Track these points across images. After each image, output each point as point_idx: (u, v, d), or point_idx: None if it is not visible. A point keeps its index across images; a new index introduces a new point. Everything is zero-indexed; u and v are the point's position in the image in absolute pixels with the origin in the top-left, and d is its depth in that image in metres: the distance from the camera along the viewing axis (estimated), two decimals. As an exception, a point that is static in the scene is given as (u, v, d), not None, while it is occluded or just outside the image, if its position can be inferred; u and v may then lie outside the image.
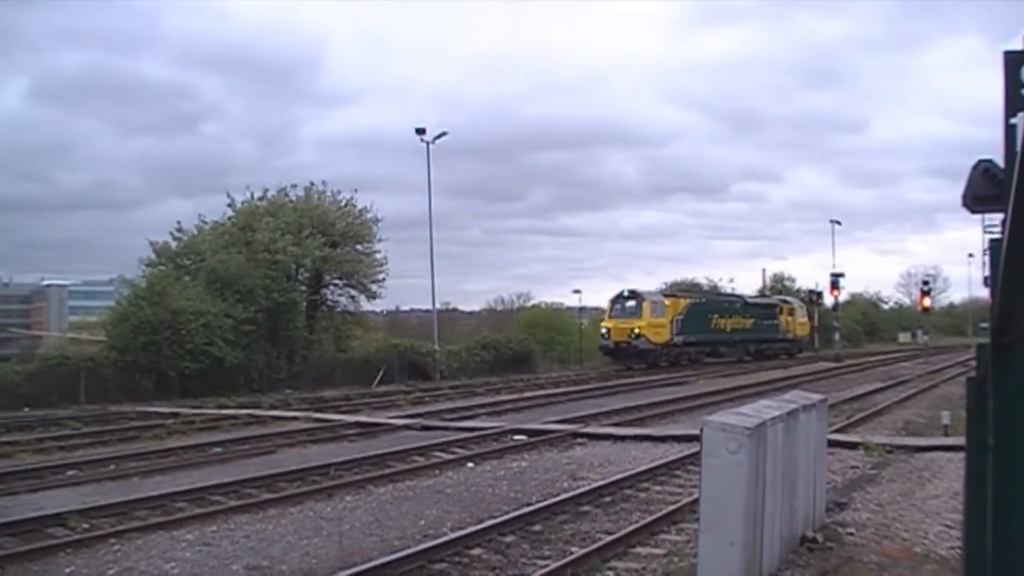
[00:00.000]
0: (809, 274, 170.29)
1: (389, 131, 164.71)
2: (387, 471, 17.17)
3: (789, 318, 66.45)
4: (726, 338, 59.28)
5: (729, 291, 73.41)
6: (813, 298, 70.53)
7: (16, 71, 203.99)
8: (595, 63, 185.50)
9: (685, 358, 54.95)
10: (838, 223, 76.56)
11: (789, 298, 71.22)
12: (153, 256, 43.37)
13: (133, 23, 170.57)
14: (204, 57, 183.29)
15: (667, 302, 54.15)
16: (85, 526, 12.52)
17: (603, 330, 53.37)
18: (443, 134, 49.17)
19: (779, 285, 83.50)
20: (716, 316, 58.52)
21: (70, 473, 17.73)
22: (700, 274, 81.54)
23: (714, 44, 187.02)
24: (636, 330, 51.12)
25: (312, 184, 47.14)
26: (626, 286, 55.73)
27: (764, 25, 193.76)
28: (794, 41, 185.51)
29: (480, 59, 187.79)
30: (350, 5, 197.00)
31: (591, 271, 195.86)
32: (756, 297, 69.78)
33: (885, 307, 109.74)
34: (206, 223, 45.44)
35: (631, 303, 52.88)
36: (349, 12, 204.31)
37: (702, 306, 58.09)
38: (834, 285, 64.61)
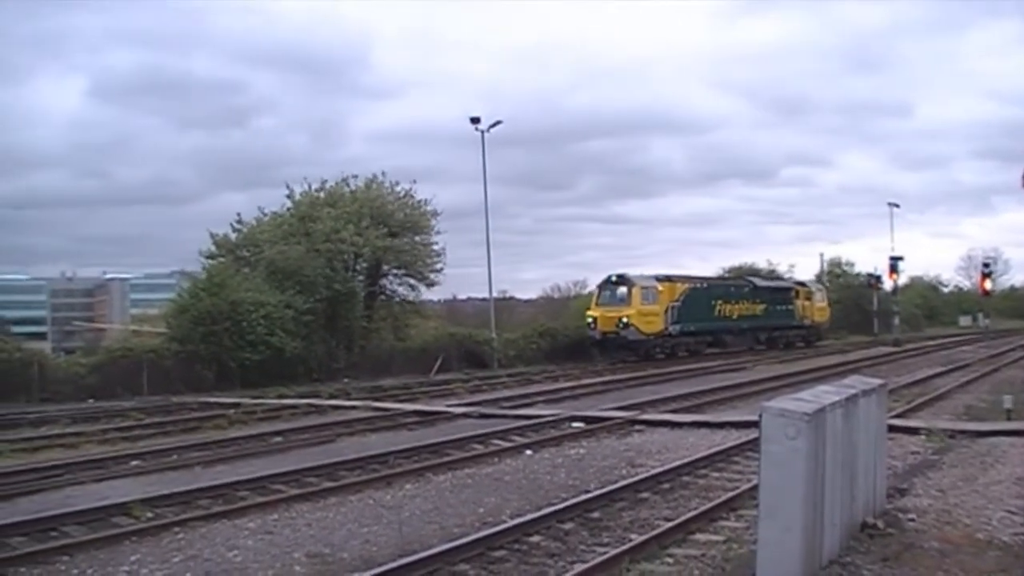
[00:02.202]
0: (865, 259, 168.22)
1: (436, 123, 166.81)
2: (446, 459, 17.26)
3: (806, 303, 61.02)
4: (732, 326, 54.21)
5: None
6: (872, 282, 69.37)
7: (74, 72, 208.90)
8: (637, 53, 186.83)
9: (683, 349, 50.30)
10: (896, 206, 74.73)
11: (807, 281, 66.33)
12: (213, 248, 43.82)
13: (184, 22, 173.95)
14: (254, 54, 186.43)
15: (660, 287, 48.71)
16: (149, 515, 12.69)
17: (589, 319, 48.13)
18: (497, 123, 49.02)
19: (837, 269, 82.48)
20: (720, 302, 53.39)
21: (134, 463, 17.98)
22: (755, 259, 79.26)
23: (755, 31, 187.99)
24: (624, 319, 46.33)
25: (374, 176, 47.59)
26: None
27: (804, 12, 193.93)
28: (835, 27, 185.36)
29: (522, 51, 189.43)
30: (393, 2, 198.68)
31: (644, 258, 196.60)
32: (768, 280, 64.54)
33: (945, 291, 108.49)
34: (265, 215, 45.87)
35: (621, 289, 47.97)
36: (392, 8, 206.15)
37: (703, 291, 52.69)
38: (893, 269, 63.51)
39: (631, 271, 49.69)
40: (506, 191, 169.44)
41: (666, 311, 48.53)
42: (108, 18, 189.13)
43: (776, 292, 59.70)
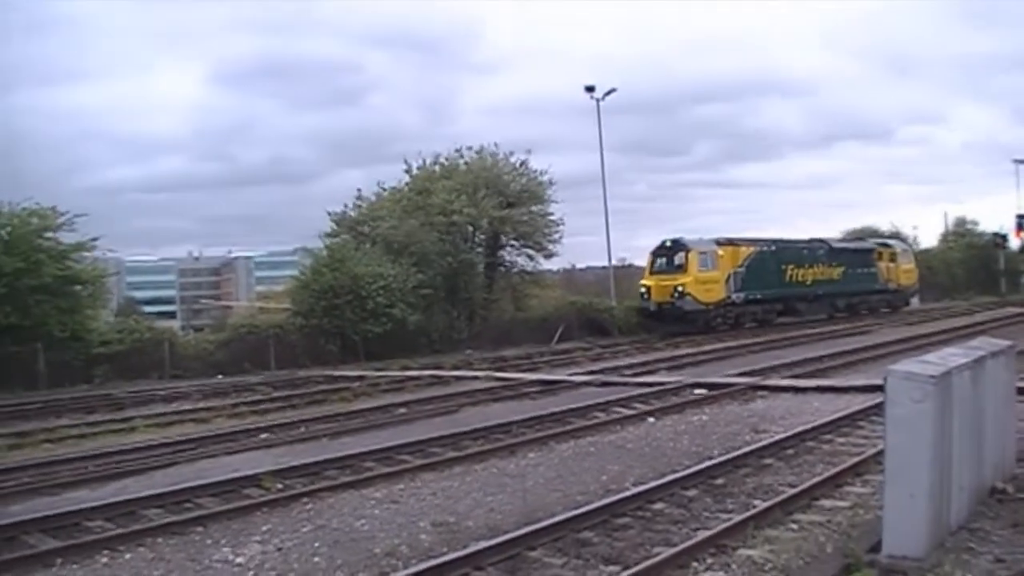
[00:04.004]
0: (989, 217, 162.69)
1: (547, 94, 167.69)
2: (568, 427, 17.35)
3: (890, 264, 55.21)
4: (806, 292, 49.01)
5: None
6: (998, 241, 67.07)
7: (195, 60, 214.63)
8: (747, 17, 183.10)
9: (748, 319, 46.09)
10: (1023, 162, 72.40)
11: (891, 241, 60.28)
12: (334, 226, 44.41)
13: (297, 7, 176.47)
14: (367, 34, 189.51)
15: (721, 252, 44.57)
16: (279, 486, 13.00)
17: (642, 289, 44.69)
18: (612, 91, 48.86)
19: (962, 228, 80.00)
20: (791, 266, 48.27)
21: (262, 436, 18.39)
22: (874, 220, 76.47)
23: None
24: (680, 288, 42.67)
25: (483, 147, 47.41)
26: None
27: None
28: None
29: (631, 20, 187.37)
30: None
31: (763, 222, 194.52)
32: (845, 241, 58.52)
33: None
34: (384, 190, 46.31)
35: (676, 255, 44.06)
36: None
37: (770, 255, 47.55)
38: (1020, 227, 61.58)
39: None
40: (619, 158, 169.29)
41: (728, 278, 44.61)
42: (224, 7, 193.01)
43: (856, 254, 54.24)
